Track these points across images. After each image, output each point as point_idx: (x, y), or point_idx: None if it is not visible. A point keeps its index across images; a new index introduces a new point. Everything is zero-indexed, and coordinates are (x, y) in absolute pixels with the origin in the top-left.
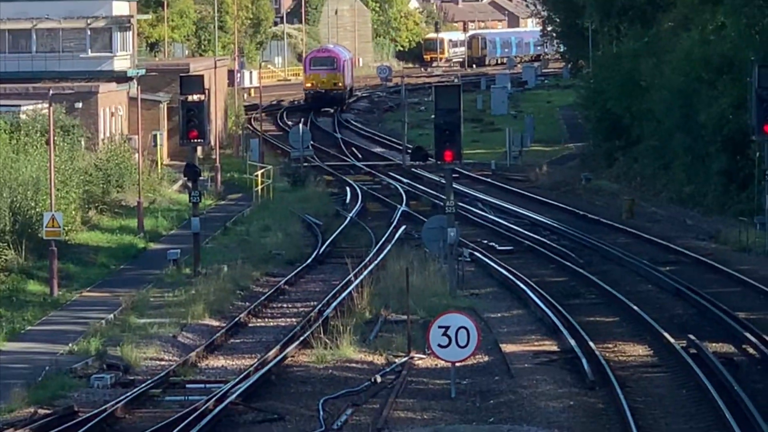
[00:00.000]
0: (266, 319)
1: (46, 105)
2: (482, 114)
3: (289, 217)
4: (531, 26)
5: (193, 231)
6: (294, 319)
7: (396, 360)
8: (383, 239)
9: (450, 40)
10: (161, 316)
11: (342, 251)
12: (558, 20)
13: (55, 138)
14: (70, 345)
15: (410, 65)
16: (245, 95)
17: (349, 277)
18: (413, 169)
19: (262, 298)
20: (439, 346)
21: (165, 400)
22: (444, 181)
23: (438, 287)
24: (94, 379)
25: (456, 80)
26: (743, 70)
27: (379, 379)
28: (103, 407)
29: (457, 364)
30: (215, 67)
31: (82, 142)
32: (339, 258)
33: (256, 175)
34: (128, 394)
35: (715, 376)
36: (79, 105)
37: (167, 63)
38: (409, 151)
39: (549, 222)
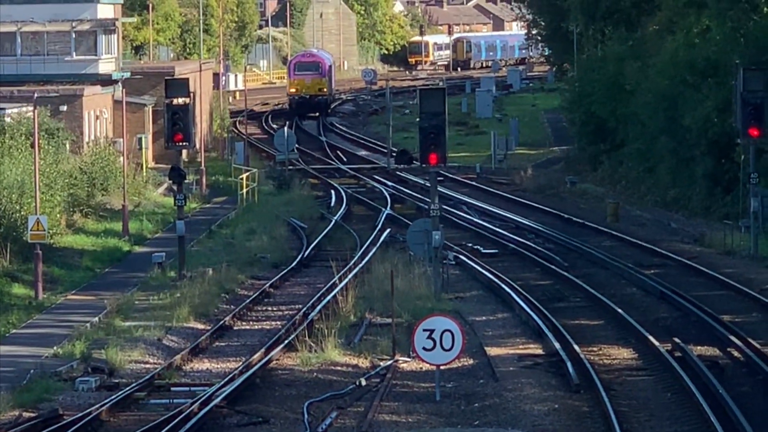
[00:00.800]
0: (251, 323)
1: (30, 108)
2: (467, 117)
3: (274, 221)
4: (516, 30)
5: (178, 234)
6: (279, 323)
7: (381, 363)
8: (368, 242)
9: (435, 44)
10: (146, 319)
11: (327, 254)
12: (543, 24)
13: (40, 141)
14: (55, 348)
15: (395, 68)
16: (230, 98)
17: (334, 280)
18: (398, 173)
19: (247, 301)
20: (424, 349)
21: (150, 403)
22: (429, 185)
23: (423, 290)
24: (78, 383)
25: (441, 83)
26: (728, 74)
27: (363, 383)
28: (88, 410)
29: (442, 368)
30: (200, 70)
31: (67, 145)
32: (324, 261)
33: (242, 179)
34: (113, 397)
35: (700, 380)
36: (64, 108)
37: (152, 66)
38: (394, 154)
39: (534, 225)
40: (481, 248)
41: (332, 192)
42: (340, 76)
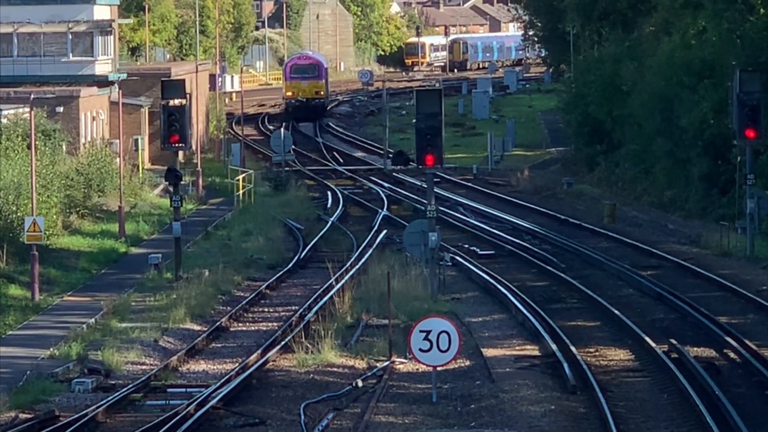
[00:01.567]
0: (247, 324)
1: (27, 109)
2: (464, 118)
3: (270, 222)
4: (512, 31)
5: (175, 235)
6: (275, 324)
7: (377, 364)
8: (364, 244)
9: (431, 45)
10: (142, 321)
11: (323, 256)
12: (539, 25)
13: (37, 142)
14: (51, 349)
15: (391, 69)
16: (227, 99)
17: (331, 281)
18: (394, 174)
19: (244, 302)
20: (421, 350)
21: (146, 404)
22: (425, 186)
23: (419, 291)
24: (75, 384)
25: (437, 84)
26: (724, 75)
27: (360, 384)
28: (84, 411)
29: (439, 369)
30: (196, 72)
31: (64, 147)
32: (320, 262)
33: (238, 180)
34: (109, 398)
35: (697, 381)
36: (61, 109)
37: (148, 67)
38: (391, 155)
39: (530, 226)
40: (478, 249)
41: (329, 193)
42: (336, 77)
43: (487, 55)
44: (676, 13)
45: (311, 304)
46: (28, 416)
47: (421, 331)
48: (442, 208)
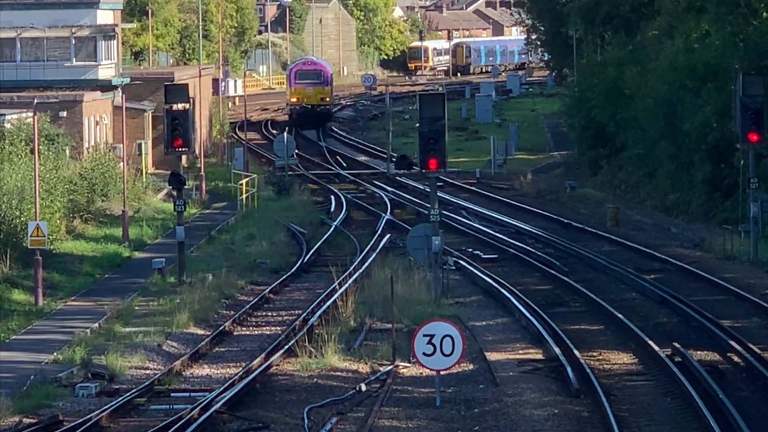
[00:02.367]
0: (251, 328)
1: (30, 114)
2: (467, 122)
3: (273, 226)
4: (515, 35)
5: (178, 240)
6: (279, 328)
7: (381, 368)
8: (368, 248)
9: (434, 49)
10: (146, 325)
11: (327, 260)
12: (542, 29)
13: (40, 147)
14: (55, 354)
15: (395, 74)
16: (230, 104)
17: (334, 285)
18: (398, 178)
19: (247, 306)
20: (424, 354)
21: (150, 408)
22: (428, 190)
23: (423, 296)
24: (78, 388)
25: (440, 89)
26: (727, 79)
27: (364, 388)
28: (88, 416)
29: (442, 373)
30: (200, 76)
31: (67, 151)
32: (324, 267)
33: (241, 184)
34: (113, 403)
35: (700, 385)
36: (64, 114)
37: (152, 72)
38: (394, 159)
39: (533, 230)
40: (481, 253)
41: (332, 197)
42: (339, 81)
43: (490, 59)
44: (679, 17)
45: (315, 308)
46: (32, 421)
47: (424, 335)
48: (445, 212)
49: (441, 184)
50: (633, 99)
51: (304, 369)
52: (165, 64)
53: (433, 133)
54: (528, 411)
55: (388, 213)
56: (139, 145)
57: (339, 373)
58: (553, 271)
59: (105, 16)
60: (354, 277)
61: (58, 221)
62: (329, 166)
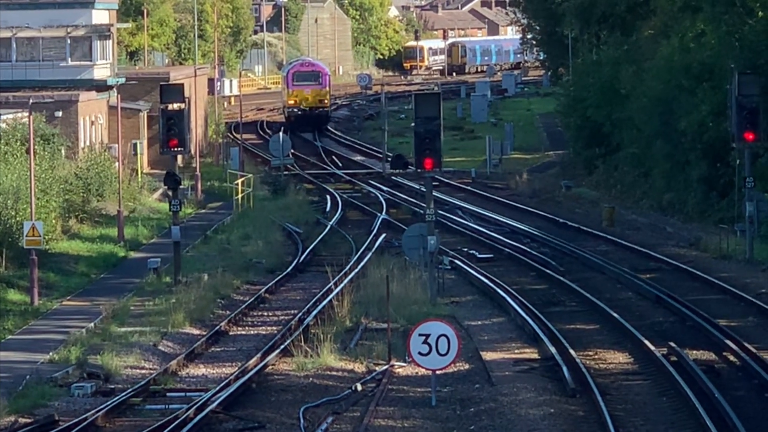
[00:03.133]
0: (247, 328)
1: (26, 114)
2: (462, 122)
3: (269, 226)
4: (511, 34)
5: (174, 240)
6: (274, 328)
7: (376, 368)
8: (363, 247)
9: (430, 48)
10: (142, 325)
11: (322, 259)
12: (538, 28)
13: (35, 147)
14: (51, 354)
15: (390, 73)
16: (225, 104)
17: (330, 285)
18: (393, 177)
19: (243, 306)
20: (420, 354)
21: (145, 408)
22: (424, 189)
23: (418, 295)
24: (74, 388)
25: (436, 88)
26: (723, 78)
27: (359, 387)
28: (84, 416)
29: (438, 372)
30: (195, 76)
31: (62, 151)
32: (319, 266)
33: (237, 184)
34: (109, 402)
35: (696, 384)
36: (59, 114)
37: (147, 72)
38: (389, 159)
39: (529, 230)
40: (477, 253)
41: (327, 197)
42: (335, 81)
43: (486, 58)
44: (675, 17)
45: (310, 308)
46: (28, 421)
47: (420, 335)
48: (440, 212)
49: (436, 183)
50: (628, 98)
51: (299, 369)
52: (160, 63)
53: (429, 132)
54: (524, 410)
55: (383, 213)
56: (135, 145)
57: (335, 373)
58: (548, 271)
59: (100, 16)
60: (350, 276)
61: (53, 221)
62: (325, 166)
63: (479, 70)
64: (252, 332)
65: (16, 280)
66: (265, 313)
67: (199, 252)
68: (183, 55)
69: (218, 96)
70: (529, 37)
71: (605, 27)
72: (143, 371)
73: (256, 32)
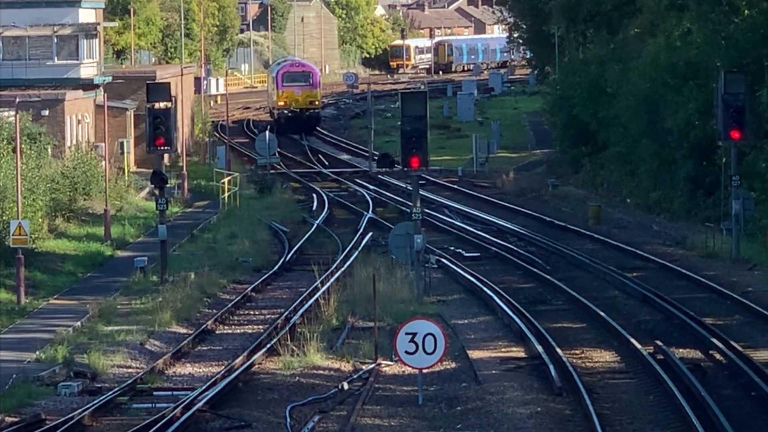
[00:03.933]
0: (233, 327)
1: (12, 112)
2: (449, 121)
3: (255, 225)
4: (497, 33)
5: (160, 239)
6: (261, 327)
7: (363, 367)
8: (350, 246)
9: (416, 47)
10: (128, 324)
11: (309, 258)
12: (524, 27)
13: (22, 146)
14: (38, 353)
15: (376, 72)
16: (212, 102)
17: (316, 284)
18: (380, 176)
19: (229, 305)
20: (407, 352)
21: (132, 407)
22: (411, 188)
23: (405, 294)
24: (61, 387)
25: (422, 87)
26: (709, 76)
27: (346, 386)
28: (71, 415)
29: (425, 371)
30: (182, 75)
31: (49, 150)
32: (306, 265)
33: (223, 183)
34: (95, 401)
35: (682, 382)
36: (46, 113)
37: (134, 70)
38: (376, 158)
39: (516, 228)
40: (463, 251)
41: (314, 196)
42: (322, 80)
43: (472, 57)
44: (661, 15)
45: (297, 306)
46: (14, 420)
47: (406, 334)
48: (427, 211)
49: (423, 182)
50: (615, 97)
51: (286, 367)
52: (147, 62)
53: (415, 131)
54: (510, 409)
55: (370, 211)
56: (121, 144)
57: (321, 372)
58: (535, 270)
59: (87, 15)
60: (336, 275)
61: (40, 220)
62: (311, 165)
63: (466, 68)
64: (238, 331)
65: (3, 279)
66: (252, 312)
67: (185, 251)
68: (170, 53)
69: (205, 95)
70: (515, 35)
71: (592, 25)
72: (130, 370)
73: (242, 31)
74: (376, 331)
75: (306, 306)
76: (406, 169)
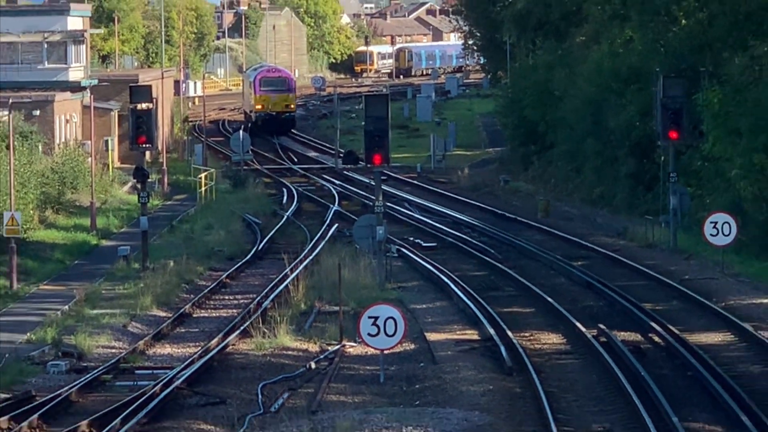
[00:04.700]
0: (209, 311)
1: (6, 113)
2: (408, 121)
3: (230, 217)
4: (453, 40)
5: (142, 229)
6: (235, 311)
7: (329, 348)
8: (317, 236)
9: (379, 53)
10: (112, 308)
11: (279, 247)
12: (478, 34)
13: (15, 143)
14: (28, 334)
15: (342, 76)
16: (190, 104)
17: (286, 271)
18: (345, 172)
19: (206, 290)
20: (369, 335)
21: (116, 385)
22: (373, 183)
23: (368, 281)
24: (50, 366)
25: (384, 90)
26: (649, 81)
27: (313, 366)
28: (59, 392)
29: (386, 352)
30: (162, 78)
31: (40, 147)
32: (276, 254)
33: (200, 178)
34: (82, 379)
35: (624, 363)
36: (37, 113)
37: (118, 74)
38: (341, 155)
39: (470, 220)
40: (422, 242)
41: (284, 190)
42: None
43: (430, 62)
44: (605, 24)
45: (268, 292)
46: (6, 396)
47: (369, 317)
48: (388, 204)
49: (385, 177)
50: (562, 100)
51: (258, 348)
52: (130, 66)
53: (378, 130)
54: (465, 387)
55: (336, 204)
56: (106, 142)
57: (290, 352)
58: (488, 258)
59: (75, 23)
60: (304, 263)
61: (31, 212)
62: (282, 161)
63: (424, 73)
64: (214, 314)
65: None
66: (226, 297)
67: (165, 240)
68: (151, 58)
69: (183, 96)
70: (470, 42)
71: (540, 34)
72: (113, 350)
73: (218, 38)
74: (341, 314)
75: (276, 291)
76: (369, 165)
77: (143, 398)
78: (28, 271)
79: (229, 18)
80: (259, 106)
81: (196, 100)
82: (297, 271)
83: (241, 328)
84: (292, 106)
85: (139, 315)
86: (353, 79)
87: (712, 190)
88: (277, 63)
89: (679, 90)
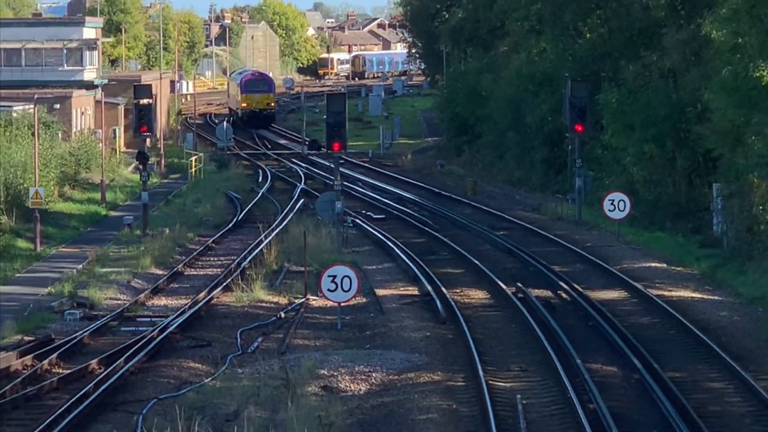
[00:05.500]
0: (198, 269)
1: (32, 106)
2: (362, 115)
3: (215, 192)
4: (400, 49)
5: (143, 202)
6: (219, 270)
7: (296, 301)
8: (287, 209)
9: (338, 59)
10: (118, 267)
11: (256, 218)
12: (420, 45)
13: (39, 131)
14: (49, 288)
15: (308, 78)
16: (183, 100)
17: (261, 237)
18: (310, 157)
19: (195, 253)
20: (329, 290)
21: (121, 330)
22: (333, 166)
23: (328, 246)
24: (66, 314)
25: (342, 89)
26: (559, 84)
27: (283, 315)
28: (74, 335)
29: (342, 304)
30: (160, 78)
31: (59, 135)
32: (253, 223)
33: (191, 161)
34: (93, 325)
35: (537, 315)
36: (57, 106)
37: (124, 75)
38: (307, 142)
39: (412, 197)
40: (372, 214)
41: (260, 171)
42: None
43: (380, 67)
44: (524, 37)
45: (246, 254)
46: (30, 339)
47: (329, 276)
48: (346, 183)
49: (342, 161)
50: (488, 99)
51: (237, 301)
52: (134, 69)
53: (337, 123)
54: (407, 333)
55: (302, 183)
56: (114, 131)
57: (264, 304)
58: (426, 228)
59: (89, 32)
60: (276, 231)
61: (52, 187)
62: (258, 148)
63: (375, 76)
64: (202, 273)
65: (24, 232)
66: (212, 258)
67: (162, 212)
68: (151, 62)
69: (178, 94)
70: (413, 51)
71: (471, 44)
72: (119, 302)
73: (207, 46)
74: (306, 273)
75: (253, 254)
76: (329, 151)
77: (143, 341)
78: (49, 236)
79: (215, 29)
80: (244, 104)
81: (188, 96)
82: (270, 237)
83: (224, 284)
84: (272, 104)
85: (140, 273)
86: (317, 81)
87: (610, 173)
88: (255, 67)
89: (584, 91)
